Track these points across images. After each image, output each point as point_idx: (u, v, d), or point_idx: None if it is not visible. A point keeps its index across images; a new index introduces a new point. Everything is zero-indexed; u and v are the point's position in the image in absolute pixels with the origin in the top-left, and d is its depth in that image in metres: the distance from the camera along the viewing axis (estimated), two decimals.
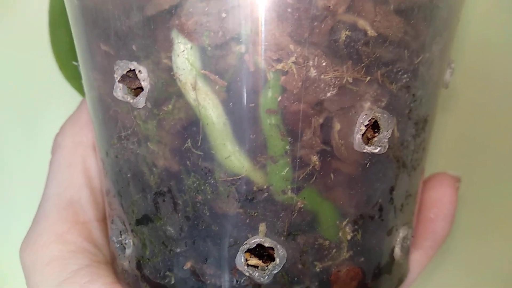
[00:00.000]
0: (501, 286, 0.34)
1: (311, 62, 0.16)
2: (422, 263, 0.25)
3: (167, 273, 0.19)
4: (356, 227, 0.19)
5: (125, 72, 0.18)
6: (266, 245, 0.18)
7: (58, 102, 0.33)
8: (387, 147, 0.18)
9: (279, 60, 0.16)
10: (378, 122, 0.18)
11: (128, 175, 0.20)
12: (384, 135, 0.18)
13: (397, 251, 0.21)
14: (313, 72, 0.17)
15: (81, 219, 0.24)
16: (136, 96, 0.18)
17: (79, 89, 0.29)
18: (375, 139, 0.18)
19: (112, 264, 0.23)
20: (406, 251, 0.21)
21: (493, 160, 0.34)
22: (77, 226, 0.24)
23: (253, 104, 0.17)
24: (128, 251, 0.21)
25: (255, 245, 0.18)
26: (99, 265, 0.23)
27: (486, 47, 0.32)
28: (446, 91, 0.22)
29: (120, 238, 0.21)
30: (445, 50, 0.20)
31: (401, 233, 0.21)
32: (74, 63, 0.23)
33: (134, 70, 0.18)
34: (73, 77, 0.28)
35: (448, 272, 0.35)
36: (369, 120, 0.18)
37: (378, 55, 0.17)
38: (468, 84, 0.32)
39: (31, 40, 0.32)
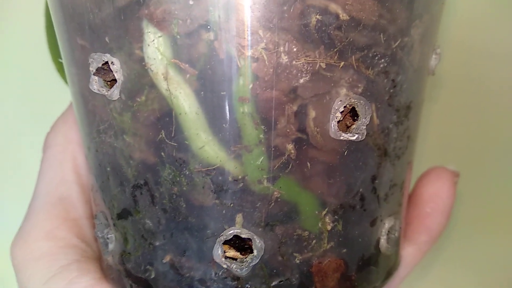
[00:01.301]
0: (498, 281, 0.33)
1: (281, 48, 0.16)
2: (416, 258, 0.24)
3: (148, 267, 0.19)
4: (336, 217, 0.18)
5: (100, 65, 0.18)
6: (243, 236, 0.18)
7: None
8: (365, 134, 0.18)
9: (248, 47, 0.16)
10: (356, 109, 0.17)
11: (108, 169, 0.19)
12: (362, 122, 0.17)
13: (383, 242, 0.20)
14: (284, 58, 0.16)
15: (71, 215, 0.24)
16: (111, 88, 0.18)
17: None
18: (354, 126, 0.18)
19: (100, 260, 0.23)
20: (394, 243, 0.21)
21: (489, 153, 0.33)
22: (67, 223, 0.24)
23: (224, 93, 0.17)
24: (111, 246, 0.21)
25: (231, 236, 0.18)
26: (89, 261, 0.23)
27: (475, 33, 0.31)
28: (441, 82, 0.22)
29: (103, 233, 0.21)
30: (427, 34, 0.19)
31: (387, 224, 0.20)
32: (60, 60, 0.23)
33: (108, 62, 0.18)
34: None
35: (444, 267, 0.34)
36: (345, 107, 0.17)
37: (351, 40, 0.17)
38: (459, 72, 0.32)
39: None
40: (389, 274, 0.21)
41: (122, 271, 0.20)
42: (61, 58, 0.23)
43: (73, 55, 0.20)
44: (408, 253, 0.24)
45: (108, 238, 0.21)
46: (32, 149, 0.34)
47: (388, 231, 0.20)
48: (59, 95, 0.32)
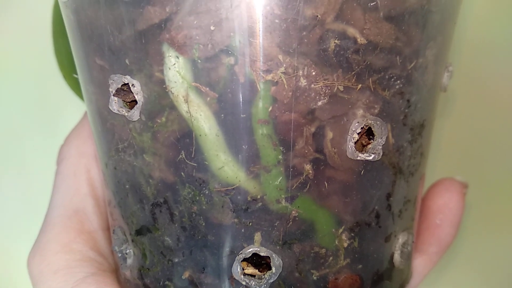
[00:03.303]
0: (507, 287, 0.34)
1: (300, 72, 0.17)
2: (425, 269, 0.25)
3: (167, 282, 0.20)
4: (352, 234, 0.19)
5: (119, 86, 0.18)
6: (262, 254, 0.18)
7: (77, 105, 0.34)
8: (381, 154, 0.18)
9: (268, 71, 0.16)
10: (372, 129, 0.18)
11: (127, 186, 0.20)
12: (378, 142, 0.18)
13: (397, 257, 0.20)
14: (303, 82, 0.17)
15: (86, 228, 0.24)
16: (131, 109, 0.18)
17: (83, 98, 0.29)
18: (369, 146, 0.18)
19: (117, 273, 0.23)
20: (407, 257, 0.21)
21: (496, 163, 0.33)
22: (83, 235, 0.24)
23: (244, 115, 0.17)
24: (129, 261, 0.21)
25: (250, 254, 0.18)
26: (105, 274, 0.23)
27: (485, 48, 0.32)
28: (445, 94, 0.22)
29: (121, 248, 0.21)
30: (440, 54, 0.19)
31: (401, 239, 0.20)
32: (75, 75, 0.24)
33: (128, 83, 0.18)
34: (77, 86, 0.28)
35: (452, 276, 0.34)
36: (362, 128, 0.17)
37: (369, 63, 0.17)
38: (469, 87, 0.32)
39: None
40: (402, 287, 0.22)
41: (140, 285, 0.21)
42: (75, 74, 0.23)
43: (91, 74, 0.20)
44: (419, 263, 0.24)
45: (126, 253, 0.21)
46: (36, 154, 0.34)
47: (402, 246, 0.21)
48: (65, 100, 0.32)
